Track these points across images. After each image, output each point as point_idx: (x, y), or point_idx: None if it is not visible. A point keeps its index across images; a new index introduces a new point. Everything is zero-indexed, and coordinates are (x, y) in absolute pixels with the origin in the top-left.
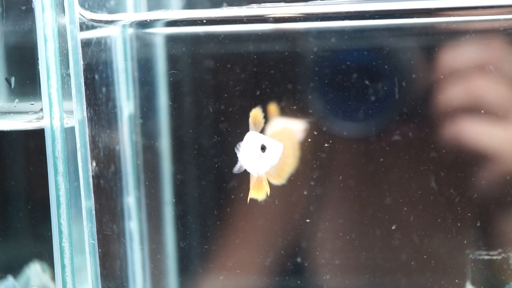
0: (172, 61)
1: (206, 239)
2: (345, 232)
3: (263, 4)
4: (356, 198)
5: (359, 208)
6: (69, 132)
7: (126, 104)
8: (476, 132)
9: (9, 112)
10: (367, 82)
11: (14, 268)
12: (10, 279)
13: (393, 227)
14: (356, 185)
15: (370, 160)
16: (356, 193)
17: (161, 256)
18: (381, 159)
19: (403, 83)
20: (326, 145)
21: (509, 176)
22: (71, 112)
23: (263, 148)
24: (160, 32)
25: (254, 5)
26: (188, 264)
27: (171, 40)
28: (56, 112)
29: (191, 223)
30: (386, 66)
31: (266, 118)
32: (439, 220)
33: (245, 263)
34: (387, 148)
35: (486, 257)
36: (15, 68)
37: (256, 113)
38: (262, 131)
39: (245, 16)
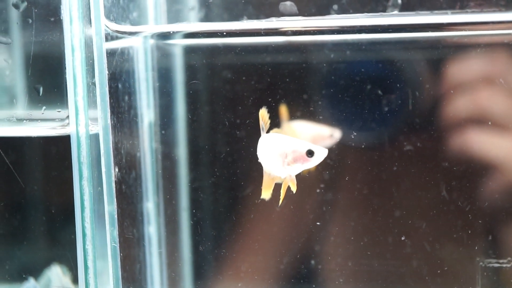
0: (190, 71)
1: (222, 244)
2: (357, 238)
3: (281, 18)
4: (367, 207)
5: (370, 216)
6: (93, 139)
7: (147, 112)
8: (483, 143)
9: (37, 119)
10: (376, 93)
11: (36, 270)
12: (31, 281)
13: (403, 237)
14: (366, 193)
15: (379, 170)
16: (368, 201)
17: (178, 260)
18: (389, 169)
19: (411, 95)
20: (336, 152)
21: None
22: (95, 119)
23: (310, 153)
24: (179, 43)
25: (274, 19)
26: (204, 269)
27: (189, 50)
28: (82, 119)
29: (208, 229)
30: (394, 78)
31: (278, 120)
32: (448, 228)
33: (261, 268)
34: (395, 158)
35: (496, 265)
36: (44, 77)
37: (263, 113)
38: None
39: (263, 29)
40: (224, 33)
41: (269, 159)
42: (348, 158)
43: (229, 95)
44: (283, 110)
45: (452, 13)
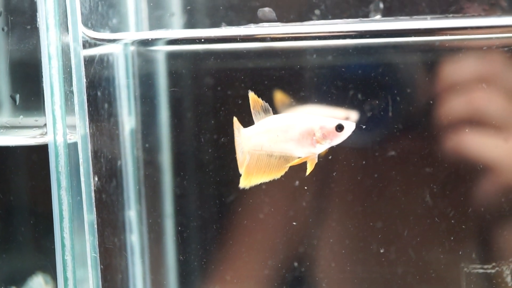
0: (173, 77)
1: (207, 252)
2: (343, 245)
3: (260, 24)
4: (357, 210)
5: (361, 219)
6: (72, 148)
7: (128, 120)
8: (478, 144)
9: (14, 127)
10: (368, 95)
11: (18, 280)
12: None
13: (395, 238)
14: (357, 196)
15: (371, 173)
16: (358, 205)
17: (161, 269)
18: (382, 171)
19: (405, 96)
20: (329, 157)
21: (509, 188)
22: (74, 128)
23: (340, 128)
24: (161, 49)
25: (252, 25)
26: (188, 277)
27: (172, 56)
28: (59, 128)
29: (192, 237)
30: (387, 80)
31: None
32: (439, 231)
33: (247, 275)
34: (388, 160)
35: (481, 271)
36: (20, 85)
37: (254, 98)
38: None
39: (242, 36)
40: (203, 40)
41: (293, 139)
42: (339, 161)
43: (212, 101)
44: (280, 96)
45: (432, 18)
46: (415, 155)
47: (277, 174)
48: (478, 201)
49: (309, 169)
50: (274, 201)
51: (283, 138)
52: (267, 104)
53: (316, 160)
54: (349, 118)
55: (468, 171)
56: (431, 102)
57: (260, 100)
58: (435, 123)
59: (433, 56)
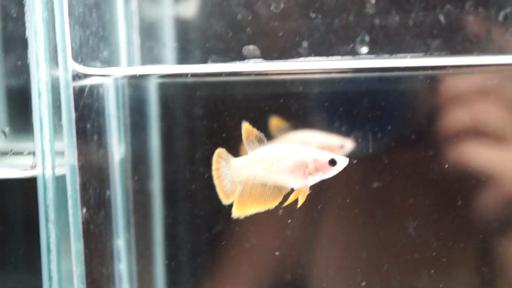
0: (165, 106)
1: (196, 281)
2: (336, 257)
3: (245, 61)
4: (359, 220)
5: (362, 229)
6: (60, 180)
7: (117, 149)
8: (479, 155)
9: (4, 161)
10: (370, 107)
11: None
12: None
13: (395, 245)
14: (359, 206)
15: (373, 183)
16: (359, 214)
17: None
18: (384, 181)
19: (407, 108)
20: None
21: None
22: (62, 159)
23: (333, 162)
24: (152, 80)
25: (237, 62)
26: None
27: (163, 86)
28: (48, 162)
29: (181, 265)
30: (389, 91)
31: (270, 134)
32: (440, 239)
33: None
34: (390, 171)
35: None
36: (11, 119)
37: (248, 128)
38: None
39: (227, 72)
40: (189, 75)
41: (287, 169)
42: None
43: (203, 130)
44: (276, 122)
45: (412, 56)
46: (414, 167)
47: (271, 204)
48: (485, 210)
49: (301, 201)
50: (263, 230)
51: (277, 168)
52: (262, 134)
53: (308, 192)
54: (344, 146)
55: (473, 182)
56: (433, 113)
57: (255, 130)
58: (437, 134)
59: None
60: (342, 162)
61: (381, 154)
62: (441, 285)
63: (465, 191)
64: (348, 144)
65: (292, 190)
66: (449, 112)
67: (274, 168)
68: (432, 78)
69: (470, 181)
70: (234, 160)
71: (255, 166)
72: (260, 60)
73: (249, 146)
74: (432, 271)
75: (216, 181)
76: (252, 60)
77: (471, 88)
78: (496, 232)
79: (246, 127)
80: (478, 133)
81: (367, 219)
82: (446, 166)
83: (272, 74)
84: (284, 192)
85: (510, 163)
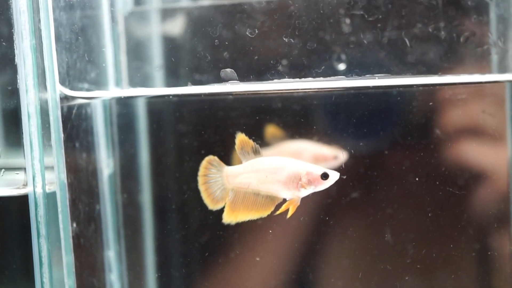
0: (153, 121)
1: None
2: (336, 262)
3: (224, 83)
4: (360, 222)
5: (363, 231)
6: (51, 197)
7: (106, 164)
8: (477, 154)
9: None
10: (366, 107)
11: None
12: None
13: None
14: (359, 207)
15: (371, 183)
16: (361, 216)
17: None
18: (380, 183)
19: (404, 107)
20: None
21: (506, 197)
22: (53, 176)
23: (325, 176)
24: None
25: (215, 84)
26: None
27: (151, 102)
28: (38, 181)
29: (172, 275)
30: (387, 88)
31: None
32: (437, 237)
33: None
34: (388, 170)
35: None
36: (3, 140)
37: (243, 138)
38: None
39: (206, 94)
40: (171, 96)
41: (280, 181)
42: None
43: (192, 144)
44: (272, 130)
45: (379, 77)
46: (413, 166)
47: (264, 213)
48: (481, 208)
49: (291, 211)
50: (253, 240)
51: (271, 179)
52: (258, 146)
53: (298, 203)
54: (337, 157)
55: (471, 180)
56: (431, 113)
57: (251, 141)
58: (436, 133)
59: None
60: (334, 176)
61: (378, 154)
62: (440, 281)
63: (462, 189)
64: (342, 155)
65: (284, 200)
66: (446, 112)
67: (269, 179)
68: (404, 94)
69: (467, 179)
70: (228, 168)
71: (249, 175)
72: (237, 82)
73: (244, 156)
74: (430, 268)
75: (202, 187)
76: (229, 83)
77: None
78: (491, 230)
79: (241, 137)
80: (475, 132)
81: (365, 219)
82: (443, 169)
83: (248, 95)
84: (277, 202)
85: (505, 161)
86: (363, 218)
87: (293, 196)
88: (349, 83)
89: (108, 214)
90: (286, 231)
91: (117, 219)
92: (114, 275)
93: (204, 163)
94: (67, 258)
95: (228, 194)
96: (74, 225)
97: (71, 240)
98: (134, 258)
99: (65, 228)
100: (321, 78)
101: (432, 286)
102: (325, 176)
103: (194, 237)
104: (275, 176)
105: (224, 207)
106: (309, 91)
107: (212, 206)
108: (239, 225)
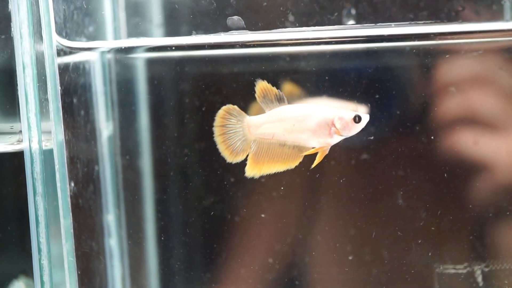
0: (153, 82)
1: (189, 255)
2: (322, 247)
3: (229, 32)
4: (353, 209)
5: (361, 217)
6: (48, 154)
7: (106, 125)
8: (474, 143)
9: None
10: (364, 94)
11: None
12: None
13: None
14: (354, 195)
15: (368, 170)
16: (354, 203)
17: (142, 272)
18: (379, 169)
19: (402, 96)
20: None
21: (505, 187)
22: (50, 134)
23: (358, 119)
24: (139, 56)
25: (222, 33)
26: (170, 280)
27: (150, 62)
28: (34, 135)
29: (173, 240)
30: (383, 79)
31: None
32: (435, 227)
33: (232, 278)
34: (386, 159)
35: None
36: None
37: (266, 86)
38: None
39: (212, 43)
40: (174, 48)
41: (310, 129)
42: (336, 161)
43: (192, 105)
44: (289, 87)
45: (396, 25)
46: (410, 154)
47: (291, 164)
48: (471, 200)
49: (318, 159)
50: (256, 204)
51: (299, 127)
52: (282, 93)
53: (327, 152)
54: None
55: (463, 170)
56: (426, 102)
57: (274, 88)
58: (431, 123)
59: (426, 58)
60: (366, 119)
61: (374, 143)
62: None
63: (460, 178)
64: (362, 110)
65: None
66: (445, 100)
67: (296, 128)
68: (424, 58)
69: (465, 169)
70: (250, 118)
71: (274, 125)
72: (245, 31)
73: (267, 104)
74: (427, 260)
75: (219, 138)
76: (236, 32)
77: (466, 75)
78: (490, 219)
79: (263, 85)
80: (473, 120)
81: (363, 210)
82: (441, 155)
83: (255, 46)
84: (304, 152)
85: (504, 150)
86: (371, 181)
87: (323, 144)
88: (362, 32)
89: (107, 176)
90: (291, 193)
91: (116, 182)
92: (114, 240)
93: (221, 112)
94: (65, 218)
95: (249, 146)
96: (72, 184)
97: (69, 200)
98: (134, 223)
99: (63, 186)
100: (333, 27)
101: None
102: (358, 119)
103: (196, 201)
104: (304, 125)
105: (243, 160)
106: (320, 41)
107: (231, 158)
108: (243, 187)
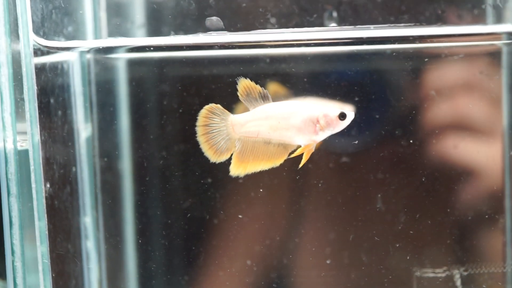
0: (133, 83)
1: (168, 258)
2: (301, 249)
3: (208, 33)
4: (333, 212)
5: (347, 225)
6: (23, 155)
7: (84, 127)
8: (462, 149)
9: None
10: (344, 98)
11: None
12: None
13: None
14: (333, 198)
15: (356, 176)
16: (333, 207)
17: (120, 275)
18: (367, 175)
19: (390, 102)
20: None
21: (491, 192)
22: (26, 135)
23: (343, 116)
24: (119, 57)
25: (201, 34)
26: (149, 284)
27: (132, 63)
28: (9, 136)
29: (152, 242)
30: (372, 86)
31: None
32: (421, 232)
33: (211, 280)
34: (374, 165)
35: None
36: None
37: (249, 84)
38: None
39: (190, 44)
40: (152, 48)
41: (295, 126)
42: (324, 166)
43: (173, 107)
44: (274, 87)
45: (375, 27)
46: (390, 158)
47: (276, 162)
48: (459, 206)
49: (305, 158)
50: (235, 206)
51: (285, 125)
52: (266, 91)
53: (313, 150)
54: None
55: (443, 174)
56: (415, 108)
57: (258, 86)
58: (410, 126)
59: (406, 61)
60: (351, 116)
61: (354, 146)
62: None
63: (447, 184)
64: (349, 109)
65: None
66: (432, 106)
67: (282, 125)
68: (405, 62)
69: (452, 174)
70: (234, 117)
71: (259, 123)
72: (224, 32)
73: (251, 103)
74: (414, 265)
75: (202, 137)
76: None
77: (455, 82)
78: (477, 224)
79: (245, 83)
80: (460, 126)
81: (342, 213)
82: (425, 161)
83: (234, 47)
84: (290, 150)
85: (484, 154)
86: (350, 184)
87: (309, 141)
88: (342, 34)
89: (85, 178)
90: (271, 195)
91: (94, 184)
92: (91, 242)
93: (204, 111)
94: (40, 219)
95: (234, 144)
96: (48, 185)
97: (44, 201)
98: (112, 226)
99: (38, 188)
100: (313, 28)
101: None
102: (342, 116)
103: (176, 203)
104: (289, 122)
105: (224, 162)
106: (300, 43)
107: (214, 158)
108: (222, 189)
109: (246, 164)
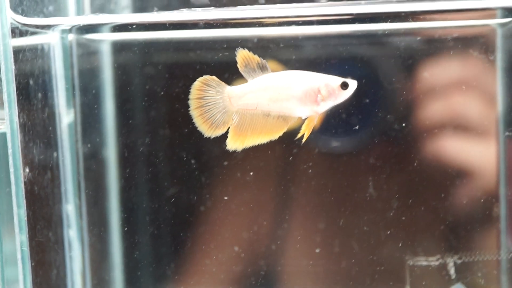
0: (118, 68)
1: (153, 247)
2: (290, 237)
3: (193, 9)
4: (323, 200)
5: (338, 220)
6: (1, 138)
7: (66, 111)
8: (457, 149)
9: None
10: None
11: None
12: None
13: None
14: (332, 198)
15: (349, 175)
16: (324, 194)
17: (104, 265)
18: (361, 174)
19: (384, 101)
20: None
21: (484, 192)
22: (3, 118)
23: (345, 85)
24: (103, 39)
25: (184, 10)
26: (134, 273)
27: (116, 45)
28: None
29: (137, 232)
30: (366, 84)
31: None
32: (416, 231)
33: (197, 270)
34: (368, 163)
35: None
36: None
37: (247, 54)
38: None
39: (174, 21)
40: (134, 26)
41: (296, 97)
42: (316, 164)
43: (159, 92)
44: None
45: (366, 3)
46: (392, 159)
47: (275, 135)
48: (453, 192)
49: (308, 132)
50: (222, 193)
51: (285, 96)
52: (264, 61)
53: (315, 123)
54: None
55: (452, 174)
56: (410, 106)
57: (256, 56)
58: (414, 128)
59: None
60: (353, 85)
61: (355, 147)
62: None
63: (442, 184)
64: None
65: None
66: (427, 106)
67: (282, 96)
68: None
69: (447, 175)
70: (231, 89)
71: (257, 94)
72: (208, 7)
73: (249, 74)
74: (406, 254)
75: (196, 111)
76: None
77: (450, 80)
78: (472, 225)
79: (244, 53)
80: (455, 126)
81: (333, 200)
82: (417, 162)
83: (220, 25)
84: (290, 122)
85: (486, 156)
86: (342, 172)
87: (311, 112)
88: (332, 10)
89: (67, 164)
90: (259, 181)
91: (77, 171)
92: (73, 230)
93: (197, 84)
94: (19, 206)
95: (231, 118)
96: (27, 170)
97: (22, 186)
98: (96, 214)
99: (16, 172)
100: (301, 4)
101: None
102: (344, 85)
103: (162, 191)
104: (289, 92)
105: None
106: (290, 20)
107: (210, 132)
108: (210, 176)
109: (244, 137)
